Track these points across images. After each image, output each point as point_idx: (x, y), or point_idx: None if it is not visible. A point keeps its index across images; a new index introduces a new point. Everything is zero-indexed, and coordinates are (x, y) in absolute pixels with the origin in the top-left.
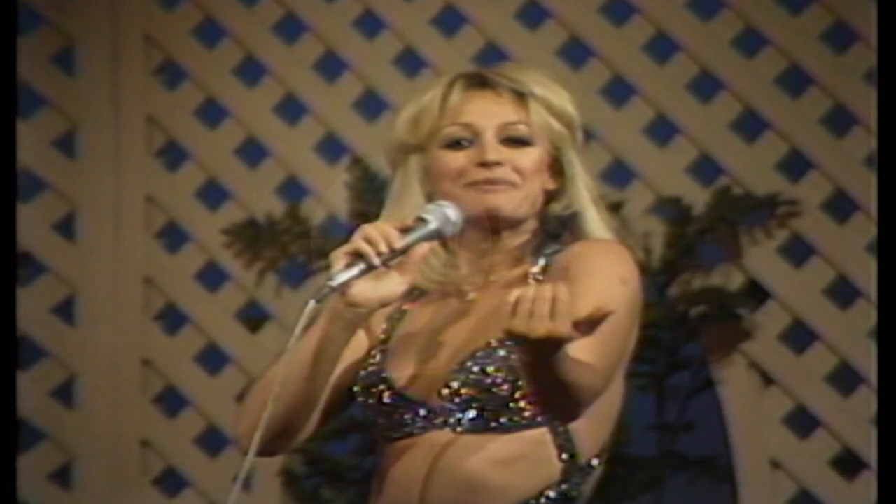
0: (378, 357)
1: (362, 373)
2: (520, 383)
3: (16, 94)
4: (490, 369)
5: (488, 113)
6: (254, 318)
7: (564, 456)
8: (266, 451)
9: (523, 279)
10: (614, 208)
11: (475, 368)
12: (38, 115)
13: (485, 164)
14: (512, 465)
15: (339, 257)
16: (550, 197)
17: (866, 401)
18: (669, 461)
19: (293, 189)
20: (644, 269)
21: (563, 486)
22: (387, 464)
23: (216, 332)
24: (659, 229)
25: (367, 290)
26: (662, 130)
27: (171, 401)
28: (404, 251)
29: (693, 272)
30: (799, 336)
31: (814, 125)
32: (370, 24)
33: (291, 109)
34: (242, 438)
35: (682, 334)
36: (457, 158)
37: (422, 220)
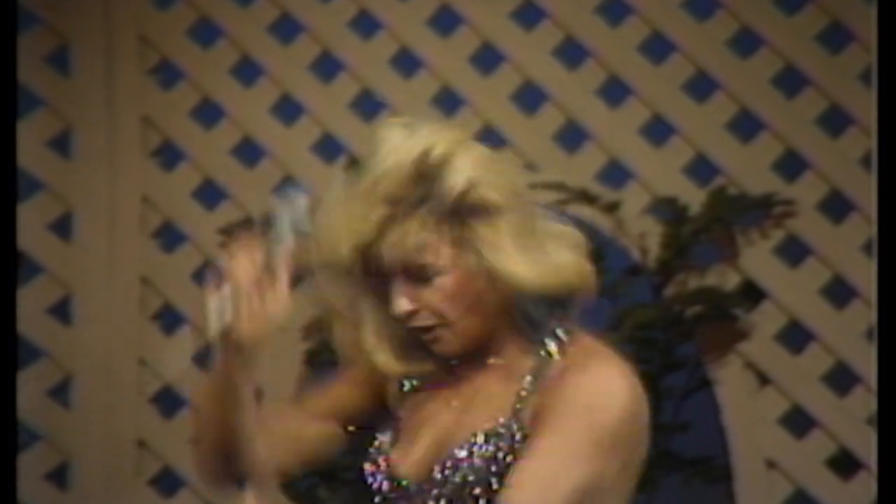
0: (386, 440)
1: (371, 451)
2: (493, 480)
3: (16, 97)
4: (464, 467)
5: (391, 252)
6: None
7: None
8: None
9: (528, 368)
10: (610, 209)
11: (459, 456)
12: (33, 115)
13: (398, 320)
14: None
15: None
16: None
17: (862, 401)
18: (665, 461)
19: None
20: (640, 270)
21: None
22: None
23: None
24: (654, 230)
25: (251, 320)
26: (658, 131)
27: (168, 401)
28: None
29: (688, 272)
30: (795, 336)
31: (809, 125)
32: (366, 25)
33: (287, 110)
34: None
35: (678, 334)
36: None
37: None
